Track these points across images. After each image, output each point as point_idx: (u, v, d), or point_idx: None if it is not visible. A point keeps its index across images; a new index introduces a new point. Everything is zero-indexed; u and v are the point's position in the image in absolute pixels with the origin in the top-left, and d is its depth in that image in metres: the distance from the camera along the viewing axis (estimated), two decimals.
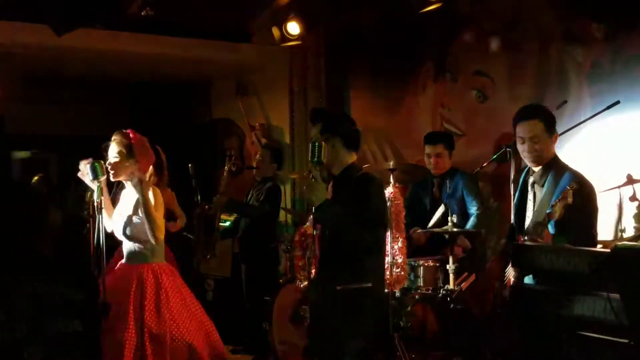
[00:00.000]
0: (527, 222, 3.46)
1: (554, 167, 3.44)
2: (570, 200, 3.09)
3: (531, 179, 3.52)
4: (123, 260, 3.77)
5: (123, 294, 3.57)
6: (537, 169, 3.49)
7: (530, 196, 3.51)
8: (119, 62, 6.97)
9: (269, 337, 5.02)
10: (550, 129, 3.45)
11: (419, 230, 4.74)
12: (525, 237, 3.34)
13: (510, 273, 3.30)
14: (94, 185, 3.47)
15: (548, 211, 3.16)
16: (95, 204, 3.44)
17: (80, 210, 5.40)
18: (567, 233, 3.23)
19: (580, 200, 3.21)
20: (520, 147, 3.49)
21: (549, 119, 3.48)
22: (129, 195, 3.74)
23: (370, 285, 3.14)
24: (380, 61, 6.26)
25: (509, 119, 5.05)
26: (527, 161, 3.51)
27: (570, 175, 3.35)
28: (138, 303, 3.54)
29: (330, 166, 3.32)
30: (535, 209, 3.43)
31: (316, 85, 6.81)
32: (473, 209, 4.68)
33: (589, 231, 3.32)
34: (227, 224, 6.11)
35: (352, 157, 3.39)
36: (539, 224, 3.21)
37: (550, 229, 3.26)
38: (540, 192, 3.43)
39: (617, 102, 4.28)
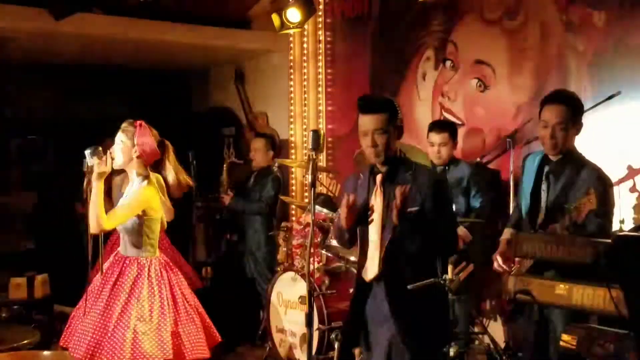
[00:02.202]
0: (541, 213, 3.36)
1: (572, 159, 3.31)
2: (593, 207, 2.98)
3: (547, 168, 3.38)
4: (119, 250, 3.76)
5: (119, 288, 3.58)
6: (554, 158, 3.35)
7: (544, 186, 3.38)
8: (117, 47, 6.93)
9: (266, 325, 5.02)
10: (576, 118, 3.31)
11: None
12: (542, 226, 3.26)
13: (524, 265, 3.27)
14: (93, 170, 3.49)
15: (570, 206, 3.04)
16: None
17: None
18: (584, 227, 3.14)
19: (600, 196, 3.15)
20: (542, 132, 3.33)
21: (577, 108, 3.35)
22: (129, 186, 3.74)
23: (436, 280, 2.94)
24: (380, 49, 6.23)
25: (509, 109, 5.09)
26: (545, 147, 3.36)
27: (591, 171, 3.24)
28: (135, 296, 3.54)
29: (385, 159, 3.02)
30: (548, 200, 3.32)
31: (315, 73, 6.78)
32: (477, 203, 4.65)
33: (606, 226, 3.20)
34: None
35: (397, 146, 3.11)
36: (561, 226, 3.10)
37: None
38: (556, 184, 3.32)
39: (618, 93, 4.26)
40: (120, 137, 3.69)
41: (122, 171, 3.85)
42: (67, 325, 3.70)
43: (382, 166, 3.03)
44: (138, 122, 3.72)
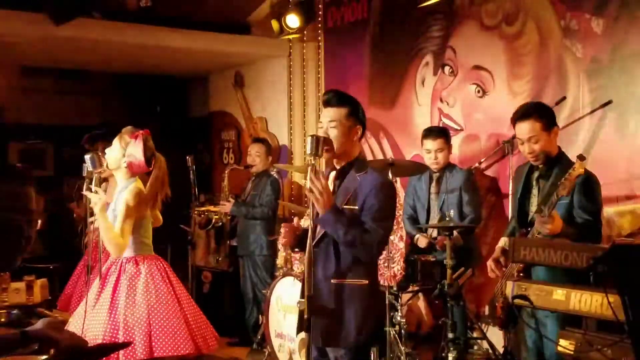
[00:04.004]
0: (530, 217, 3.41)
1: (559, 161, 3.38)
2: (582, 170, 3.01)
3: (536, 174, 3.46)
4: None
5: (103, 287, 3.60)
6: (540, 164, 3.43)
7: (534, 191, 3.44)
8: (117, 52, 6.95)
9: (265, 330, 5.02)
10: (548, 126, 3.38)
11: (422, 236, 4.75)
12: (533, 225, 3.28)
13: (513, 268, 3.29)
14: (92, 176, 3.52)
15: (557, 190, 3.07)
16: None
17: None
18: (574, 225, 3.20)
19: (587, 192, 3.20)
20: (521, 148, 3.44)
21: (547, 116, 3.41)
22: (117, 189, 3.79)
23: (367, 282, 3.01)
24: (379, 54, 6.24)
25: (507, 114, 5.06)
26: (530, 160, 3.45)
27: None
28: (116, 293, 3.59)
29: (342, 157, 3.07)
30: (540, 201, 3.37)
31: (315, 78, 6.80)
32: (469, 210, 4.66)
33: (595, 224, 3.28)
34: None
35: (360, 149, 3.17)
36: (549, 205, 3.11)
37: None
38: (545, 187, 3.37)
39: (610, 102, 4.31)
40: (115, 142, 3.75)
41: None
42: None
43: (337, 163, 3.10)
44: (137, 132, 3.75)
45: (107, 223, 3.61)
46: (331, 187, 3.03)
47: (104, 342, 3.43)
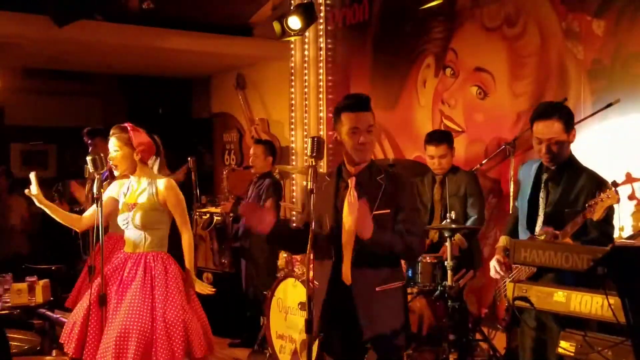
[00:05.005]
0: (539, 220, 3.38)
1: (570, 166, 3.32)
2: (617, 200, 2.99)
3: (545, 175, 3.39)
4: (125, 249, 3.76)
5: (127, 282, 3.58)
6: (552, 166, 3.35)
7: (542, 194, 3.38)
8: (119, 54, 6.97)
9: (266, 331, 5.03)
10: (568, 128, 3.29)
11: None
12: (544, 235, 3.25)
13: (521, 274, 3.29)
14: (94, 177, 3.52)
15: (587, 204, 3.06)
16: (95, 196, 3.46)
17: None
18: (585, 240, 3.17)
19: (609, 215, 3.15)
20: (537, 147, 3.34)
21: (568, 118, 3.32)
22: (136, 186, 3.75)
23: (403, 283, 3.07)
24: (380, 56, 6.25)
25: (509, 115, 5.11)
26: (544, 161, 3.36)
27: (589, 176, 3.26)
28: (147, 290, 3.56)
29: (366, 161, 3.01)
30: (548, 208, 3.34)
31: (316, 80, 6.80)
32: (473, 212, 4.66)
33: (609, 231, 3.23)
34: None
35: None
36: (574, 223, 3.11)
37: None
38: (555, 191, 3.33)
39: (617, 101, 4.29)
40: (115, 145, 3.70)
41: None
42: (73, 337, 3.56)
43: (354, 168, 3.00)
44: (128, 125, 3.74)
45: (54, 211, 3.71)
46: (354, 194, 2.91)
47: (139, 336, 3.42)
